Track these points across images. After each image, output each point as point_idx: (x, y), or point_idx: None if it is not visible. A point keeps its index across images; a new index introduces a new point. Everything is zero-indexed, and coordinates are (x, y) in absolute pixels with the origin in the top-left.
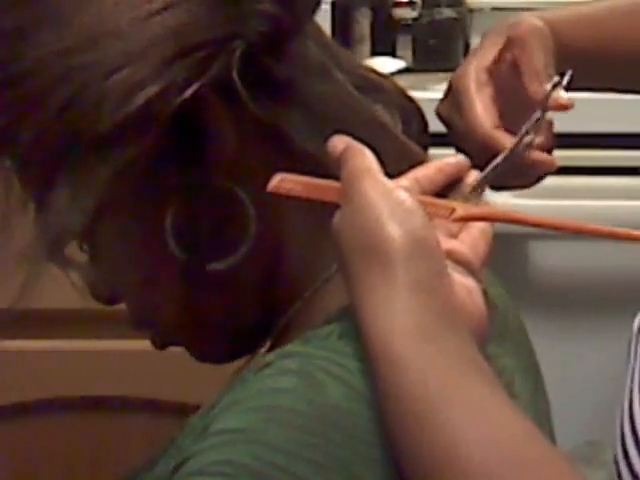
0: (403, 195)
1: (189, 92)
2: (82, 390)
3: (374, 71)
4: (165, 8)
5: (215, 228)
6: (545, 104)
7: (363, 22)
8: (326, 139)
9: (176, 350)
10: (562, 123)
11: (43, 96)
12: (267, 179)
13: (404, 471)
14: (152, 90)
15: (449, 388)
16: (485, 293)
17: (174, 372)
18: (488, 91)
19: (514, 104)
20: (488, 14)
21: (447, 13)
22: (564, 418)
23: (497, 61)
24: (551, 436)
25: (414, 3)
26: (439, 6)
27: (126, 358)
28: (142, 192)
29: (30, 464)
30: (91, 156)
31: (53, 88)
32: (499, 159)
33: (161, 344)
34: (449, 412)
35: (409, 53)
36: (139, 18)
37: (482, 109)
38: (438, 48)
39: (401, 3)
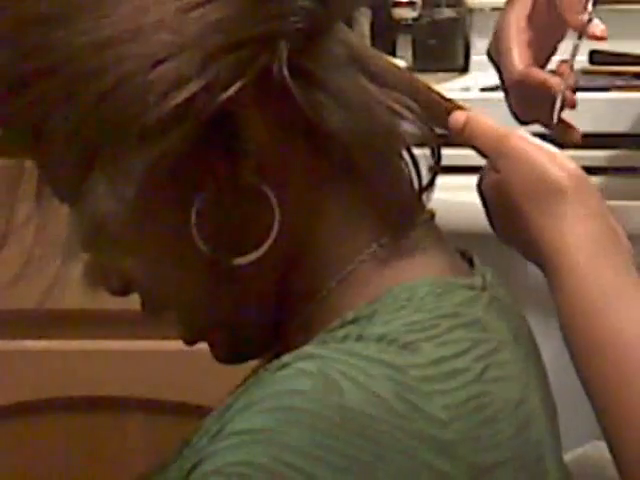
0: (552, 146)
1: (233, 90)
2: (81, 390)
3: (397, 67)
4: (208, 1)
5: (240, 223)
6: (582, 33)
7: (363, 22)
8: (354, 123)
9: (176, 350)
10: None
11: (81, 85)
12: (294, 177)
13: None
14: (197, 84)
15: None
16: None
17: (174, 372)
18: (525, 37)
19: (547, 40)
20: (488, 14)
21: (447, 13)
22: (567, 419)
23: (534, 5)
24: (557, 438)
25: (414, 3)
26: (439, 6)
27: (126, 358)
28: (170, 184)
29: (30, 464)
30: (130, 147)
31: (92, 78)
32: (563, 86)
33: (189, 340)
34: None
35: (409, 53)
36: (182, 10)
37: (517, 55)
38: (438, 48)
39: (401, 3)
